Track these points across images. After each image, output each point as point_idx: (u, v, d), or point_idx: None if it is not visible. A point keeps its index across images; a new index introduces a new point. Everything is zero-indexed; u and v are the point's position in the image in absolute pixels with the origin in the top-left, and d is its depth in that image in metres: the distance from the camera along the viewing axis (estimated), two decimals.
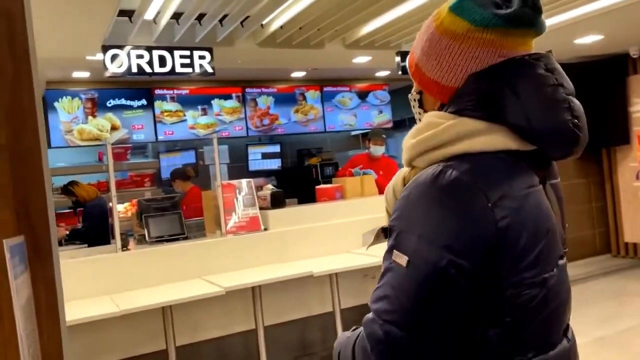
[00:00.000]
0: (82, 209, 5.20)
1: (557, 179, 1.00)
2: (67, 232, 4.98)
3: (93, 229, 4.88)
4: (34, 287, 0.68)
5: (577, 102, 0.92)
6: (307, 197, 5.45)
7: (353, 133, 8.22)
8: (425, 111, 1.00)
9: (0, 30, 0.69)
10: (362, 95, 8.06)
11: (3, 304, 0.64)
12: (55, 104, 6.25)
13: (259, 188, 4.70)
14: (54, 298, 0.70)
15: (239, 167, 7.36)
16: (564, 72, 0.94)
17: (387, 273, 0.88)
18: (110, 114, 6.52)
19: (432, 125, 0.92)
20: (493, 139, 0.88)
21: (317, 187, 5.00)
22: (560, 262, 0.92)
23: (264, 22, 4.69)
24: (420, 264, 0.84)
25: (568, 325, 0.97)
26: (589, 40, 5.60)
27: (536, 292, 0.86)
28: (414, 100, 1.03)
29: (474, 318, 0.85)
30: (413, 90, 1.03)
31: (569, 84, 0.93)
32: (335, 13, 4.45)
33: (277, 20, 4.56)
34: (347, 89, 7.95)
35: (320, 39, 5.16)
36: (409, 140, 0.95)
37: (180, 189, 5.57)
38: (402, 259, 0.85)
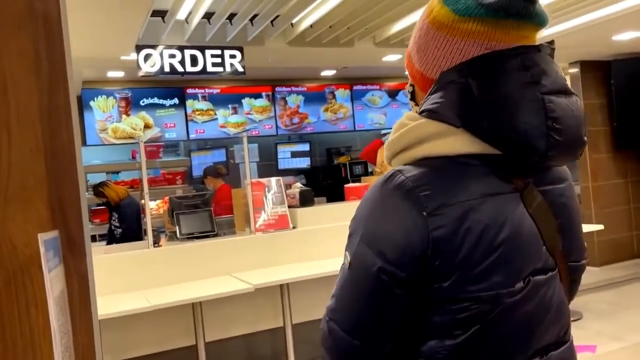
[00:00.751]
0: (114, 210, 5.24)
1: (558, 184, 0.91)
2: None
3: (129, 230, 4.96)
4: (67, 280, 0.70)
5: (561, 101, 0.83)
6: (336, 195, 5.46)
7: (383, 132, 8.18)
8: (417, 104, 0.96)
9: (37, 31, 0.72)
10: (392, 94, 8.02)
11: (37, 296, 0.66)
12: (91, 102, 6.41)
13: (288, 186, 4.73)
14: (87, 292, 0.72)
15: (268, 166, 7.42)
16: (551, 69, 0.85)
17: (340, 273, 0.88)
18: (143, 113, 6.66)
19: (401, 126, 0.89)
20: (453, 143, 0.83)
21: (345, 185, 4.99)
22: (538, 277, 0.83)
23: (293, 21, 4.71)
24: (359, 266, 0.83)
25: (547, 347, 0.86)
26: (627, 37, 5.44)
27: (486, 308, 0.79)
28: (408, 92, 1.00)
29: (423, 327, 0.82)
30: (408, 82, 1.00)
31: (552, 81, 0.83)
32: (365, 11, 4.44)
33: (307, 19, 4.57)
34: (377, 87, 7.92)
35: (350, 37, 5.15)
36: (388, 140, 0.93)
37: (212, 186, 5.64)
38: (347, 260, 0.86)
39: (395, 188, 0.82)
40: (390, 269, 0.79)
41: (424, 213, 0.79)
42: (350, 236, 0.87)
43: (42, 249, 0.56)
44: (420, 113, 0.88)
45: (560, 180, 0.92)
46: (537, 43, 0.88)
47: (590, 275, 6.14)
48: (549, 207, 0.87)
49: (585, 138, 0.87)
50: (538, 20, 0.85)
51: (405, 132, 0.87)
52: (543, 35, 0.92)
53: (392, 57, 6.02)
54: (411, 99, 1.00)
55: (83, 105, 6.32)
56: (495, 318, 0.80)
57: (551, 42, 0.89)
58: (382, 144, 5.43)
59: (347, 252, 0.86)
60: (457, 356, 0.81)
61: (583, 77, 6.53)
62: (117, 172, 6.42)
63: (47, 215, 0.69)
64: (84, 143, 6.12)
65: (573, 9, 4.24)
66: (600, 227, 4.90)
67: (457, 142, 0.83)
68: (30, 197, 0.68)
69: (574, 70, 6.58)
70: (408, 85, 1.00)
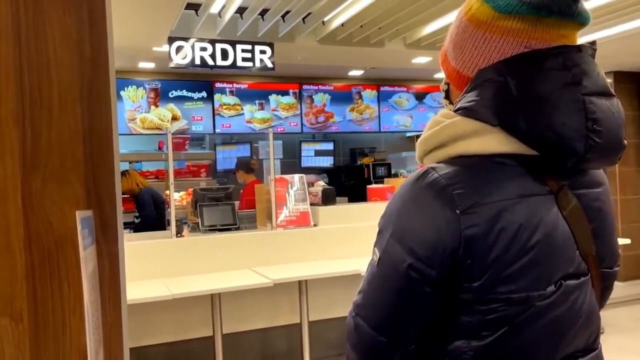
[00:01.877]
0: (134, 198, 5.31)
1: (595, 188, 0.89)
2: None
3: (148, 217, 5.05)
4: (99, 260, 0.72)
5: (602, 103, 0.81)
6: (358, 196, 5.44)
7: (408, 134, 8.14)
8: (451, 103, 0.95)
9: (82, 16, 0.73)
10: (420, 97, 7.96)
11: (70, 274, 0.67)
12: (122, 92, 6.52)
13: (310, 184, 4.74)
14: (117, 273, 0.74)
15: (291, 163, 7.44)
16: (593, 70, 0.83)
17: (368, 268, 0.88)
18: (171, 105, 6.74)
19: (436, 123, 0.88)
20: (488, 142, 0.82)
21: (368, 186, 4.98)
22: (570, 281, 0.81)
23: (325, 19, 4.71)
24: (388, 263, 0.82)
25: (575, 354, 0.85)
26: None
27: (516, 310, 0.78)
28: (443, 91, 0.99)
29: (450, 327, 0.81)
30: (443, 80, 0.99)
31: (594, 82, 0.81)
32: (398, 12, 4.42)
33: (339, 17, 4.57)
34: (405, 89, 7.88)
35: (381, 37, 5.13)
36: (421, 137, 0.92)
37: (242, 180, 5.64)
38: (376, 256, 0.85)
39: (428, 185, 0.81)
40: (420, 267, 0.79)
41: (457, 211, 0.78)
42: (379, 232, 0.86)
43: (78, 226, 0.57)
44: (456, 111, 0.87)
45: (597, 185, 0.90)
46: (577, 43, 0.87)
47: (615, 289, 5.95)
48: (584, 211, 0.85)
49: (625, 142, 0.85)
50: (580, 19, 0.83)
51: (440, 129, 0.86)
52: (579, 42, 0.90)
53: (422, 59, 5.98)
54: (445, 98, 0.99)
55: None
56: (525, 321, 0.79)
57: (593, 43, 0.87)
58: None
59: (376, 248, 0.86)
60: (483, 358, 0.80)
61: (617, 87, 6.38)
62: (140, 162, 6.51)
63: (82, 196, 0.71)
64: None
65: (610, 18, 4.16)
66: (627, 241, 4.79)
67: (493, 141, 0.82)
68: (68, 177, 0.70)
69: (608, 80, 6.42)
70: (443, 83, 0.99)
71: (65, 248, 0.68)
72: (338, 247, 4.11)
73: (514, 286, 0.78)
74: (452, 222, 0.78)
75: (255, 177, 5.74)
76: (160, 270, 3.64)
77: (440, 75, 1.02)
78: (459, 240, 0.78)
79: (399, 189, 0.87)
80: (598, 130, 0.80)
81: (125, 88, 6.55)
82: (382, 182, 5.31)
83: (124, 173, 5.29)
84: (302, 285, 3.71)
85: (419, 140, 0.91)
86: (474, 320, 0.80)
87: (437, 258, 0.79)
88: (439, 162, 0.85)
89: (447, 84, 0.97)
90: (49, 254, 0.68)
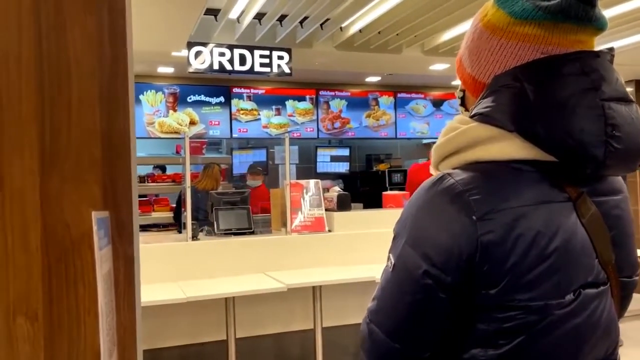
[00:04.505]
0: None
1: (614, 195, 0.87)
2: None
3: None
4: (114, 262, 0.71)
5: (621, 108, 0.79)
6: (373, 202, 5.41)
7: (424, 141, 8.10)
8: (467, 110, 0.94)
9: (102, 18, 0.74)
10: (437, 104, 7.93)
11: (86, 274, 0.67)
12: (141, 96, 6.59)
13: (325, 190, 4.73)
14: (132, 275, 0.73)
15: (307, 168, 7.45)
16: (611, 75, 0.81)
17: (382, 275, 0.87)
18: (189, 109, 6.80)
19: (451, 129, 0.87)
20: (505, 147, 0.81)
21: (384, 193, 4.96)
22: (589, 290, 0.80)
23: (343, 25, 4.72)
24: (403, 269, 0.81)
25: None
26: None
27: (534, 318, 0.76)
28: (458, 97, 0.98)
29: (466, 335, 0.80)
30: (459, 86, 0.98)
31: (613, 88, 0.80)
32: (416, 18, 4.41)
33: (357, 23, 4.57)
34: (422, 96, 7.85)
35: (399, 44, 5.12)
36: (436, 143, 0.91)
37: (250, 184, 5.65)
38: (390, 262, 0.84)
39: (443, 191, 0.80)
40: (435, 273, 0.78)
41: (474, 217, 0.77)
42: (394, 238, 0.86)
43: (94, 227, 0.57)
44: (472, 116, 0.86)
45: (616, 192, 0.89)
46: (595, 49, 0.86)
47: (633, 302, 5.85)
48: (603, 219, 0.83)
49: None
50: (597, 24, 0.82)
51: (456, 135, 0.86)
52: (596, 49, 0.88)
53: (439, 66, 5.96)
54: (461, 105, 0.98)
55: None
56: (542, 330, 0.77)
57: (611, 49, 0.86)
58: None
59: (390, 254, 0.85)
60: None
61: (638, 96, 6.29)
62: (160, 166, 6.56)
63: (99, 197, 0.71)
64: None
65: (628, 27, 4.10)
66: None
67: (510, 147, 0.81)
68: (85, 177, 0.70)
69: (629, 89, 6.35)
70: (458, 90, 0.98)
71: (81, 248, 0.68)
72: (353, 253, 4.09)
73: (532, 294, 0.77)
74: (469, 228, 0.77)
75: (262, 183, 5.74)
76: (175, 273, 3.65)
77: (459, 82, 1.01)
78: (476, 247, 0.76)
79: (414, 194, 0.86)
80: (617, 136, 0.78)
81: (145, 92, 6.62)
82: (398, 189, 5.28)
83: (208, 166, 5.26)
84: (316, 291, 3.70)
85: (435, 146, 0.91)
86: (491, 328, 0.78)
87: (452, 264, 0.77)
88: (455, 168, 0.84)
89: (463, 90, 0.97)
90: (65, 254, 0.68)
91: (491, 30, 0.85)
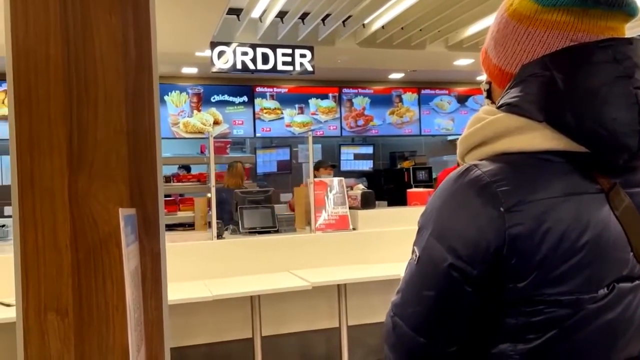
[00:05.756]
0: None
1: None
2: None
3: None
4: (141, 259, 0.72)
5: None
6: (398, 200, 5.39)
7: (449, 138, 8.02)
8: (493, 102, 0.92)
9: (127, 17, 0.75)
10: (462, 100, 7.84)
11: (114, 271, 0.68)
12: (165, 97, 6.68)
13: (349, 188, 4.72)
14: (159, 271, 0.74)
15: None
16: None
17: (406, 268, 0.85)
18: (213, 109, 6.86)
19: (478, 120, 0.86)
20: (533, 138, 0.79)
21: (408, 190, 4.93)
22: (623, 284, 0.77)
23: (365, 22, 4.70)
24: (428, 262, 0.80)
25: None
26: None
27: (565, 312, 0.74)
28: (484, 90, 0.95)
29: (494, 329, 0.78)
30: (484, 79, 0.96)
31: None
32: (439, 13, 4.36)
33: (379, 20, 4.55)
34: (446, 92, 7.76)
35: (422, 39, 5.08)
36: (462, 135, 0.89)
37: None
38: (415, 255, 0.83)
39: (470, 182, 0.78)
40: (462, 266, 0.76)
41: (501, 209, 0.75)
42: (419, 230, 0.84)
43: (121, 223, 0.58)
44: (499, 107, 0.84)
45: None
46: (626, 36, 0.83)
47: None
48: (638, 211, 0.80)
49: None
50: (628, 10, 0.80)
51: (482, 126, 0.84)
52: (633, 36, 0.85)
53: (464, 62, 5.89)
54: (487, 97, 0.96)
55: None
56: (574, 325, 0.75)
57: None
58: None
59: (415, 247, 0.84)
60: None
61: None
62: (185, 166, 6.63)
63: (126, 195, 0.72)
64: None
65: None
66: None
67: (539, 138, 0.79)
68: (112, 176, 0.71)
69: None
70: (484, 83, 0.96)
71: (109, 246, 0.69)
72: (377, 251, 4.07)
73: (562, 288, 0.75)
74: (496, 220, 0.75)
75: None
76: (201, 272, 3.69)
77: (484, 77, 0.99)
78: (503, 239, 0.75)
79: (440, 186, 0.85)
80: None
81: (169, 93, 6.71)
82: (422, 186, 5.24)
83: (231, 165, 5.23)
84: (340, 289, 3.70)
85: (461, 138, 0.89)
86: (520, 323, 0.76)
87: (479, 257, 0.76)
88: (481, 160, 0.82)
89: (489, 83, 0.94)
90: (94, 251, 0.69)
91: (518, 19, 0.83)
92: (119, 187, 0.71)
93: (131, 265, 0.62)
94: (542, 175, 0.78)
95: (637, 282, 0.79)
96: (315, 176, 5.30)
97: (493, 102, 0.92)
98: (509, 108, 0.82)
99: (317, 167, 5.54)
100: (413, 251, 0.84)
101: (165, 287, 0.74)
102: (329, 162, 5.81)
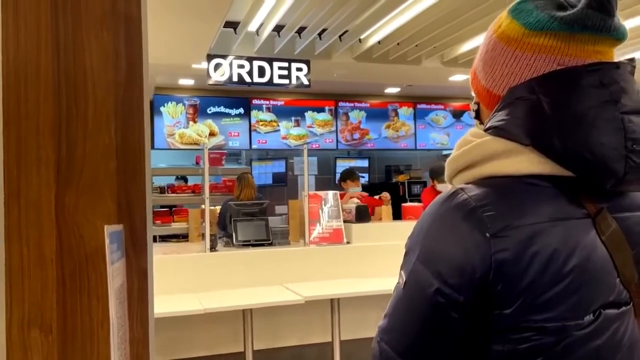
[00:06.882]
0: None
1: (635, 211, 0.83)
2: None
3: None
4: (128, 275, 0.71)
5: None
6: (393, 214, 5.37)
7: (444, 152, 8.04)
8: (482, 123, 0.92)
9: (119, 32, 0.74)
10: (457, 115, 7.88)
11: (99, 287, 0.68)
12: (162, 108, 6.68)
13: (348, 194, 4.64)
14: (145, 288, 0.73)
15: (326, 179, 7.44)
16: (632, 88, 0.78)
17: (394, 292, 0.84)
18: (209, 121, 6.86)
19: (465, 142, 0.85)
20: (520, 162, 0.78)
21: (403, 204, 4.92)
22: (609, 311, 0.76)
23: (362, 37, 4.73)
24: (414, 287, 0.79)
25: None
26: None
27: (551, 340, 0.73)
28: (473, 110, 0.96)
29: (481, 356, 0.77)
30: (473, 100, 0.96)
31: (634, 100, 0.77)
32: (435, 29, 4.40)
33: (375, 35, 4.57)
34: (442, 107, 7.80)
35: (418, 55, 5.11)
36: (450, 156, 0.89)
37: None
38: (402, 279, 0.82)
39: (457, 206, 0.78)
40: (448, 291, 0.75)
41: (487, 234, 0.74)
42: (406, 254, 0.84)
43: (107, 241, 0.57)
44: (486, 130, 0.84)
45: (638, 208, 0.85)
46: (614, 60, 0.83)
47: None
48: (625, 236, 0.80)
49: None
50: (616, 35, 0.79)
51: (469, 149, 0.84)
52: (616, 59, 0.86)
53: (459, 77, 5.92)
54: (475, 117, 0.96)
55: (154, 110, 6.59)
56: (560, 352, 0.74)
57: (631, 60, 0.83)
58: None
59: (402, 271, 0.83)
60: None
61: None
62: (183, 177, 6.62)
63: (114, 210, 0.71)
64: (152, 146, 6.37)
65: None
66: None
67: (525, 162, 0.79)
68: (100, 190, 0.70)
69: None
70: (473, 103, 0.97)
71: (95, 261, 0.68)
72: (371, 266, 4.06)
73: (549, 314, 0.73)
74: (482, 246, 0.74)
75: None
76: (194, 284, 3.67)
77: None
78: (489, 265, 0.74)
79: (426, 209, 0.84)
80: (638, 150, 0.76)
81: (165, 104, 6.71)
82: (418, 201, 5.24)
83: (243, 177, 5.04)
84: (334, 303, 3.68)
85: (448, 159, 0.89)
86: (506, 350, 0.75)
87: (465, 282, 0.75)
88: (468, 183, 0.82)
89: (477, 103, 0.94)
90: (80, 266, 0.69)
91: (505, 42, 0.83)
92: (107, 202, 0.70)
93: (116, 283, 0.61)
94: (529, 200, 0.77)
95: (623, 308, 0.78)
96: (342, 188, 5.20)
97: (482, 123, 0.92)
98: (496, 131, 0.81)
99: (344, 178, 5.28)
100: (400, 275, 0.83)
101: (151, 304, 0.73)
102: (357, 173, 5.48)
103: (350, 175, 5.33)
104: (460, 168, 0.85)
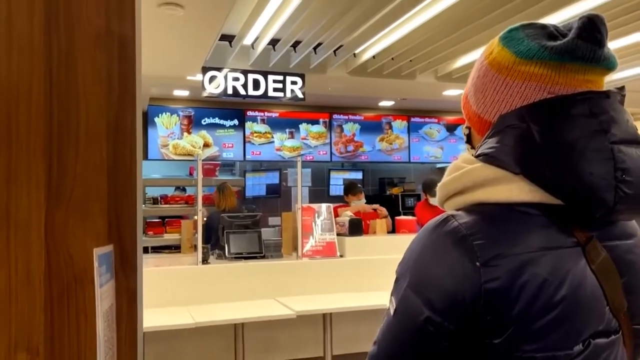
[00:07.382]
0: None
1: (625, 239, 0.83)
2: None
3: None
4: (117, 297, 0.71)
5: (632, 151, 0.77)
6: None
7: (438, 165, 8.07)
8: (473, 147, 0.92)
9: (112, 52, 0.74)
10: (451, 128, 7.92)
11: (88, 308, 0.67)
12: (156, 119, 6.67)
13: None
14: (134, 309, 0.73)
15: (319, 191, 7.44)
16: (622, 117, 0.79)
17: (384, 318, 0.84)
18: (204, 132, 6.86)
19: (456, 168, 0.86)
20: (510, 190, 0.78)
21: (397, 218, 4.92)
22: (599, 340, 0.76)
23: (356, 52, 4.75)
24: (404, 314, 0.79)
25: None
26: None
27: None
28: (464, 135, 0.96)
29: None
30: (465, 124, 0.97)
31: (624, 130, 0.78)
32: (429, 45, 4.43)
33: (370, 50, 4.60)
34: (435, 120, 7.84)
35: (412, 70, 5.15)
36: (441, 181, 0.89)
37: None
38: (392, 306, 0.81)
39: (447, 234, 0.78)
40: (438, 320, 0.75)
41: (477, 263, 0.74)
42: (397, 280, 0.83)
43: (95, 264, 0.57)
44: (477, 156, 0.84)
45: (628, 236, 0.85)
46: (605, 88, 0.83)
47: None
48: (615, 265, 0.80)
49: None
50: (606, 65, 0.80)
51: (460, 175, 0.84)
52: (613, 78, 0.86)
53: (453, 92, 5.96)
54: (467, 142, 0.96)
55: (148, 120, 6.58)
56: None
57: (621, 89, 0.83)
58: None
59: (392, 297, 0.83)
60: None
61: None
62: (180, 187, 6.58)
63: (104, 229, 0.71)
64: (146, 157, 6.36)
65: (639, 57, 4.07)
66: None
67: (515, 190, 0.79)
68: (90, 210, 0.70)
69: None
70: (464, 127, 0.97)
71: (84, 282, 0.68)
72: (364, 280, 4.05)
73: (538, 344, 0.73)
74: (472, 275, 0.74)
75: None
76: (185, 297, 3.64)
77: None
78: (479, 294, 0.74)
79: (417, 235, 0.84)
80: (628, 180, 0.75)
81: (160, 115, 6.71)
82: (411, 214, 5.24)
83: (223, 187, 4.97)
84: (326, 318, 3.66)
85: (440, 184, 0.89)
86: None
87: (455, 311, 0.75)
88: (459, 209, 0.82)
89: (469, 127, 0.95)
90: (68, 287, 0.68)
91: (496, 69, 0.84)
92: (97, 222, 0.70)
93: (105, 305, 0.61)
94: (519, 229, 0.77)
95: (613, 336, 0.78)
96: (345, 202, 5.15)
97: (473, 147, 0.93)
98: (486, 158, 0.82)
99: (347, 192, 5.21)
100: (391, 301, 0.83)
101: (140, 324, 0.73)
102: (359, 186, 5.42)
103: (350, 189, 5.28)
104: (451, 193, 0.86)
